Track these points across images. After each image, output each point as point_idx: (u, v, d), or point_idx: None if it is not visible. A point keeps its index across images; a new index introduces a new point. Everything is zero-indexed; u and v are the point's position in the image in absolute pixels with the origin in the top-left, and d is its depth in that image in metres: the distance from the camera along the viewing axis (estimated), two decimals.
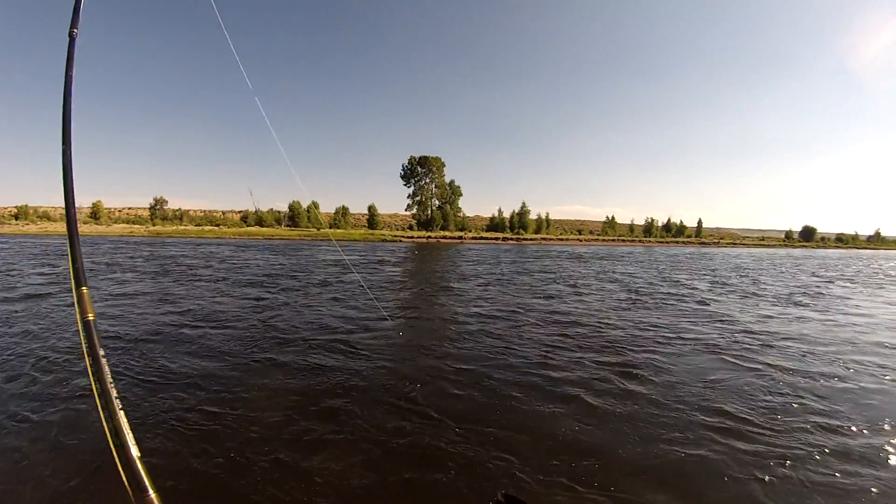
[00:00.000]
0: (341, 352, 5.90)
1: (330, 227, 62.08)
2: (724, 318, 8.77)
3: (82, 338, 1.01)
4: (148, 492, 0.83)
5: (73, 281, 1.09)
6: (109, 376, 0.96)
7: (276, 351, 5.94)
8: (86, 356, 0.99)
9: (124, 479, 0.87)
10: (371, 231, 58.03)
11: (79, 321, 1.05)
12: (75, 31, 1.70)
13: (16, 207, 72.56)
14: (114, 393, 0.94)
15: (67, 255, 1.17)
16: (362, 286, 11.52)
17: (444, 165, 62.15)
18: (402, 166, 62.93)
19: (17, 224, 62.49)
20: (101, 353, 0.99)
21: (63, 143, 1.39)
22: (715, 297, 11.84)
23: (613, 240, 69.93)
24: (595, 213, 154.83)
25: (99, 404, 0.92)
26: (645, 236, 79.47)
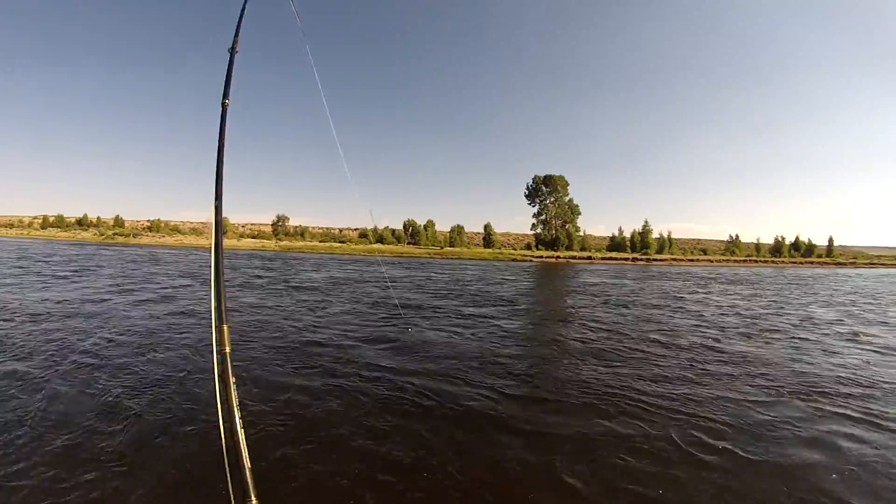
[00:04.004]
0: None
1: (446, 246, 63.17)
2: None
3: (215, 366, 1.13)
4: (251, 498, 0.89)
5: (214, 318, 1.20)
6: (236, 399, 1.08)
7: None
8: (216, 383, 1.11)
9: (229, 485, 0.96)
10: (500, 251, 58.58)
11: (214, 352, 1.16)
12: (227, 101, 1.92)
13: (149, 221, 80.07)
14: (238, 414, 1.04)
15: (211, 294, 1.27)
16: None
17: (568, 184, 62.32)
18: (527, 185, 63.73)
19: (151, 235, 68.41)
20: (233, 380, 1.10)
21: (216, 199, 1.57)
22: None
23: (744, 260, 65.52)
24: (704, 230, 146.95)
25: (222, 429, 1.02)
26: (773, 256, 74.50)
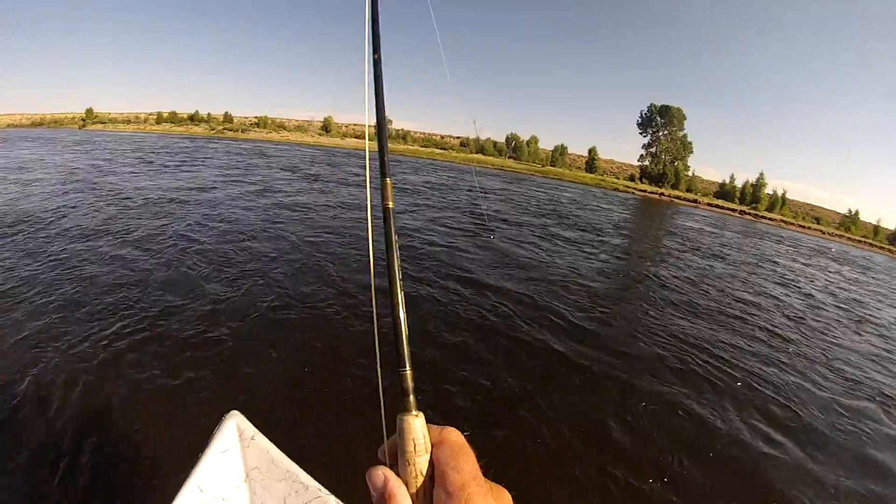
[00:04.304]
0: None
1: (547, 165, 62.16)
2: None
3: (369, 221, 0.93)
4: (406, 367, 0.80)
5: (380, 172, 0.98)
6: (398, 260, 0.88)
7: None
8: (370, 244, 0.93)
9: (377, 352, 0.86)
10: (603, 178, 57.28)
11: (369, 207, 0.97)
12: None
13: (256, 117, 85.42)
14: (398, 275, 0.87)
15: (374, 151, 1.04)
16: None
17: (685, 118, 57.43)
18: (641, 113, 60.56)
19: (259, 130, 73.59)
20: (395, 238, 0.92)
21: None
22: None
23: (860, 240, 59.19)
24: (823, 197, 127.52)
25: (373, 278, 0.89)
26: (891, 243, 65.29)
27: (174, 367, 3.82)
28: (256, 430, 1.30)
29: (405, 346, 0.80)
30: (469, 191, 20.71)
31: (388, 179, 0.97)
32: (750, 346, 6.49)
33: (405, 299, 0.83)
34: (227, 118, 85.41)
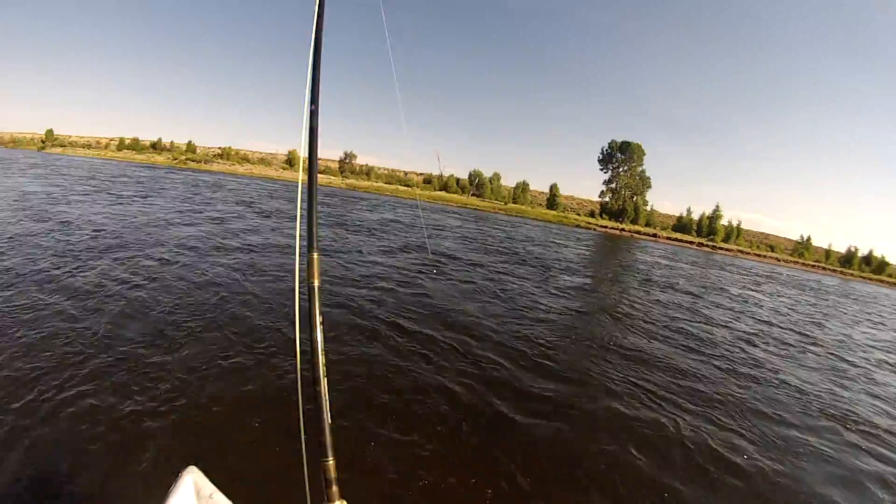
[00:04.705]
0: None
1: (510, 202, 62.76)
2: None
3: (296, 302, 1.04)
4: (328, 457, 0.85)
5: (307, 246, 1.11)
6: (322, 344, 0.95)
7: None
8: (297, 319, 1.02)
9: (302, 441, 0.91)
10: (565, 214, 57.99)
11: (296, 287, 1.08)
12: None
13: (220, 148, 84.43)
14: (322, 360, 0.93)
15: (303, 219, 1.16)
16: None
17: (644, 154, 59.39)
18: (602, 150, 62.20)
19: (222, 162, 72.70)
20: (319, 319, 0.98)
21: (311, 103, 1.30)
22: None
23: (813, 265, 62.00)
24: (773, 225, 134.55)
25: (299, 366, 0.94)
26: (842, 266, 69.01)
27: (120, 421, 3.49)
28: (215, 488, 1.16)
29: (328, 435, 0.85)
30: (418, 227, 20.48)
31: (314, 255, 1.04)
32: (693, 367, 6.64)
33: (329, 387, 0.89)
34: (191, 148, 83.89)
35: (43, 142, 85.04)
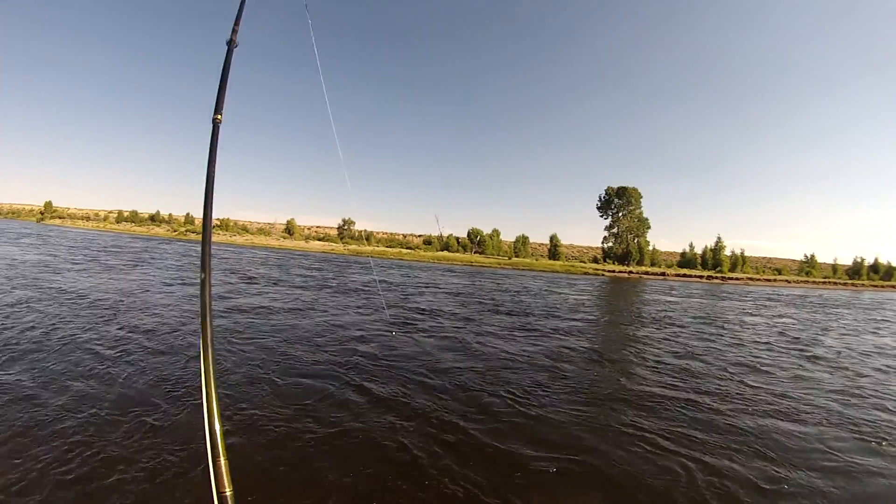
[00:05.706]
0: None
1: (512, 256, 62.63)
2: None
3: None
4: (226, 489, 0.94)
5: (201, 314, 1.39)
6: (213, 376, 1.15)
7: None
8: (202, 375, 1.16)
9: (212, 473, 0.99)
10: (572, 263, 57.88)
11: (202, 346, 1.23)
12: (219, 117, 1.87)
13: (218, 219, 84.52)
14: (214, 396, 1.06)
15: (203, 267, 1.67)
16: None
17: (641, 197, 60.22)
18: (599, 197, 63.41)
19: (222, 233, 73.51)
20: (211, 371, 1.15)
21: (207, 183, 1.80)
22: None
23: (823, 281, 61.01)
24: (773, 248, 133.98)
25: (205, 397, 1.09)
26: (851, 278, 68.07)
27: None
28: None
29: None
30: (427, 289, 20.22)
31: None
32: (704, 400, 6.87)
33: None
34: (189, 219, 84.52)
35: (42, 213, 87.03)
